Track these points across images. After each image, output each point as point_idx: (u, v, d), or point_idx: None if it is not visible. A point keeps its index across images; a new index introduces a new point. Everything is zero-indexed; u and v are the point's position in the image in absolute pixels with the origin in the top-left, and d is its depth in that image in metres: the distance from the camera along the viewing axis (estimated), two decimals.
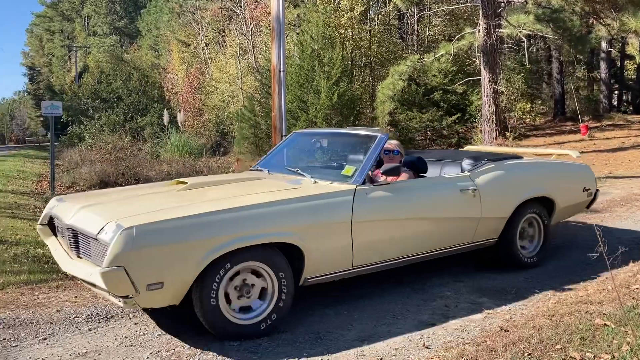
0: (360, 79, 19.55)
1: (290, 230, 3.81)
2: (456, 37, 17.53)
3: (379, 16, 22.25)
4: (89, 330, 4.23)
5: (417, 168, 5.01)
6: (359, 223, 4.09)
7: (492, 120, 16.30)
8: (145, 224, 3.42)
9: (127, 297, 3.40)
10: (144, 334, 4.09)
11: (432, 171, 5.44)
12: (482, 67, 16.68)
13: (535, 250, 5.46)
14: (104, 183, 15.24)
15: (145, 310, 4.36)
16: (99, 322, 4.38)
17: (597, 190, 6.03)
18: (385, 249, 4.35)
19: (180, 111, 23.54)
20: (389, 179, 4.51)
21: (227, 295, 3.71)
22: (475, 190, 4.85)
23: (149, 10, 39.79)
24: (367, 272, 4.40)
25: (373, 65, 21.15)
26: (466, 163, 5.20)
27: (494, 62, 16.47)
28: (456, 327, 3.99)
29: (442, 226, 4.66)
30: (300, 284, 4.05)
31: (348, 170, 4.42)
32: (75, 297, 5.12)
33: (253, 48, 24.28)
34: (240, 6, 26.68)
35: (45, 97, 66.04)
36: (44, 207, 11.77)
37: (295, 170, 4.78)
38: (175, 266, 3.45)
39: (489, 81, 16.32)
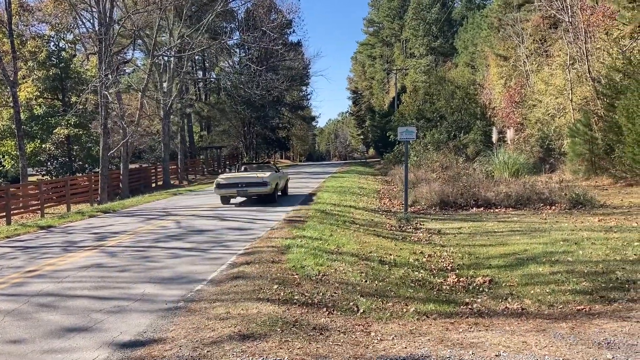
0: None
1: None
2: None
3: None
4: None
5: None
6: None
7: None
8: None
9: None
10: None
11: None
12: None
13: None
14: (443, 203, 16.25)
15: None
16: None
17: None
18: None
19: (509, 128, 23.43)
20: None
21: None
22: None
23: (465, 28, 40.84)
24: None
25: None
26: None
27: None
28: None
29: None
30: None
31: None
32: (505, 340, 5.23)
33: (587, 56, 22.56)
34: (568, 13, 25.08)
35: (366, 117, 74.14)
36: (399, 225, 13.14)
37: None
38: None
39: None
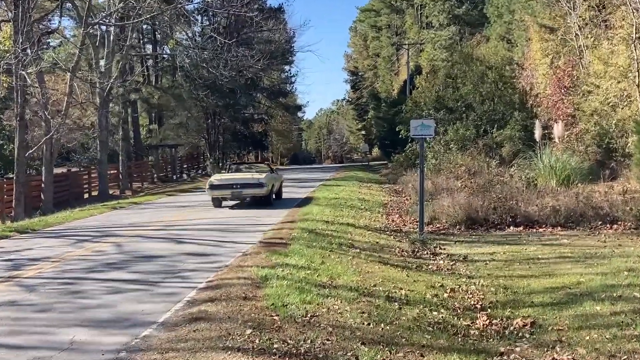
0: None
1: None
2: None
3: None
4: None
5: None
6: None
7: None
8: None
9: None
10: None
11: None
12: None
13: None
14: (470, 220, 16.33)
15: None
16: None
17: None
18: None
19: (557, 121, 23.61)
20: None
21: None
22: None
23: None
24: None
25: None
26: None
27: None
28: None
29: None
30: None
31: None
32: None
33: None
34: None
35: (369, 107, 74.42)
36: (412, 250, 13.19)
37: None
38: None
39: None
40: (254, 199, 21.18)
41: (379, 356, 6.74)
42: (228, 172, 23.75)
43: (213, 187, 20.92)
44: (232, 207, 21.22)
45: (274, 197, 22.02)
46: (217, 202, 21.29)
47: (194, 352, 6.44)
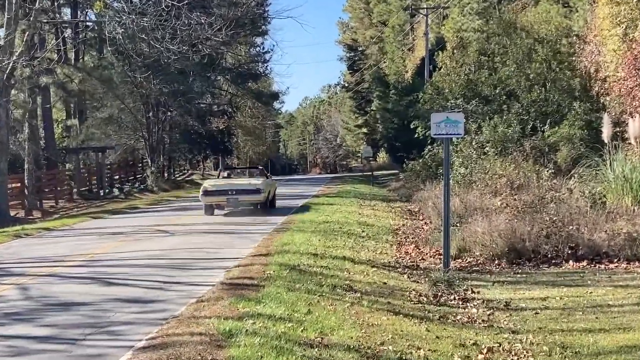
0: None
1: None
2: None
3: None
4: None
5: None
6: None
7: None
8: None
9: None
10: None
11: None
12: None
13: None
14: (514, 252, 16.36)
15: None
16: None
17: None
18: None
19: (633, 115, 23.72)
20: None
21: None
22: None
23: None
24: None
25: None
26: None
27: None
28: None
29: None
30: None
31: None
32: None
33: None
34: None
35: (372, 95, 74.56)
36: (434, 294, 13.25)
37: None
38: None
39: None
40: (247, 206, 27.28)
41: None
42: (220, 178, 30.41)
43: (207, 193, 26.60)
44: (179, 235, 21.29)
45: (268, 205, 27.85)
46: (210, 210, 27.18)
47: None
